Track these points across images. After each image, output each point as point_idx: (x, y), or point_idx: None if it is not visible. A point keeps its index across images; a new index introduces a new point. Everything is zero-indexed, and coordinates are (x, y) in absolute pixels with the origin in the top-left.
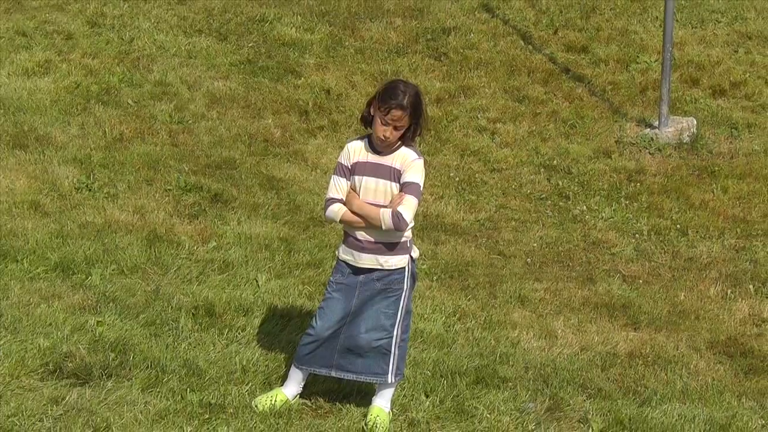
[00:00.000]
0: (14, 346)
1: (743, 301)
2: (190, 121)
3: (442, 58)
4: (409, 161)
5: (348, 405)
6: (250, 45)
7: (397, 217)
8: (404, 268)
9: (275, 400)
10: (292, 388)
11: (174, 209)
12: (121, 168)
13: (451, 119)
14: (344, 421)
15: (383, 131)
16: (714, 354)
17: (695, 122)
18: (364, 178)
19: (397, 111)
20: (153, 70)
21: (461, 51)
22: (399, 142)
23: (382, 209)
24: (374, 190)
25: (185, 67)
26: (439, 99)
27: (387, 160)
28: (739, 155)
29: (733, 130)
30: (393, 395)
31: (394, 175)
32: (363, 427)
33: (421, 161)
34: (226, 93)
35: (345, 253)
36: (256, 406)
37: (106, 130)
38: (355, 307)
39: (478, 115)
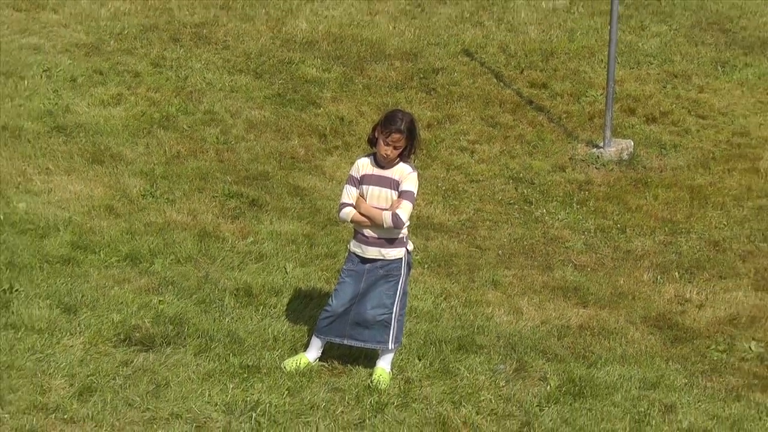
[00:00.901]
0: (93, 320)
1: (670, 285)
2: (232, 142)
3: (431, 93)
4: (405, 174)
5: (357, 366)
6: (280, 82)
7: (396, 217)
8: (401, 258)
9: (300, 363)
10: (313, 353)
11: (219, 212)
12: (177, 179)
13: (438, 141)
14: (354, 379)
15: (385, 150)
16: (646, 327)
17: (632, 143)
18: (370, 187)
19: (396, 134)
20: (203, 101)
21: (447, 87)
22: (398, 159)
23: (384, 212)
24: (378, 197)
25: (229, 100)
26: (429, 125)
27: (388, 173)
28: (667, 169)
29: (662, 149)
30: (393, 359)
31: (394, 185)
32: (369, 383)
33: (416, 174)
34: (261, 120)
35: (355, 247)
36: (284, 367)
37: (166, 149)
38: (363, 289)
39: (460, 138)
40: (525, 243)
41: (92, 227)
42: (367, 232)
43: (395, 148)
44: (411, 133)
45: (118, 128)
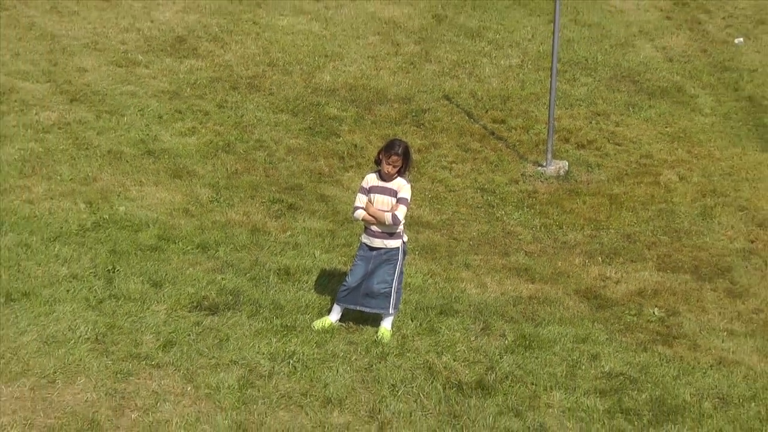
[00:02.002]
0: (173, 292)
1: (595, 267)
2: (276, 163)
3: (421, 126)
4: (402, 185)
5: (366, 326)
6: (310, 119)
7: (395, 217)
8: (399, 247)
9: (325, 323)
10: (335, 316)
11: (266, 213)
12: (236, 189)
13: (426, 161)
14: (364, 335)
15: (387, 168)
16: (578, 297)
17: (567, 163)
18: (376, 195)
19: (395, 157)
20: (254, 133)
21: (432, 122)
22: (396, 175)
23: (386, 213)
24: (382, 202)
25: (273, 131)
26: (419, 150)
27: (389, 185)
28: (593, 182)
29: (589, 167)
30: (393, 321)
31: (393, 193)
32: (375, 338)
33: (410, 186)
34: (297, 146)
35: (365, 238)
36: (313, 326)
37: (227, 167)
38: (370, 270)
39: (442, 159)
40: (489, 236)
41: (173, 224)
42: (374, 227)
43: (394, 166)
44: (406, 156)
45: (193, 152)
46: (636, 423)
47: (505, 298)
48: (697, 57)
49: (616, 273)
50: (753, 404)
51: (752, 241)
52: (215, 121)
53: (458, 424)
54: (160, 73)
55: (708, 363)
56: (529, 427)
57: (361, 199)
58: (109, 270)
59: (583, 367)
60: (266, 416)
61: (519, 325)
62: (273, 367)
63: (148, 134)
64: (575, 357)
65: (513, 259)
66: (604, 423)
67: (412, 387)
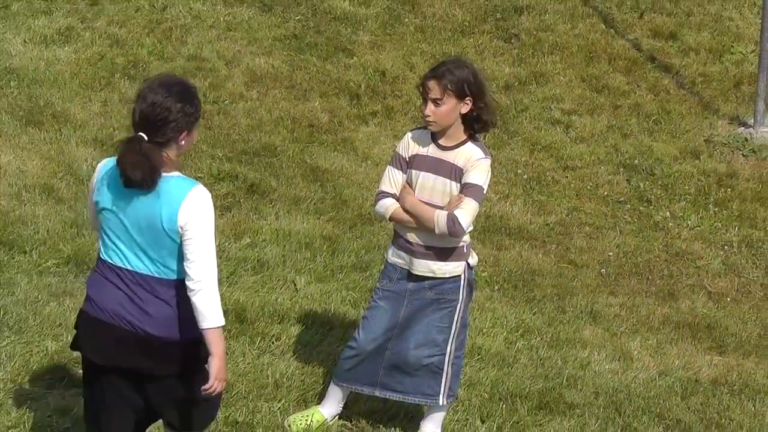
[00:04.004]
0: (18, 348)
1: None
2: (226, 102)
3: (512, 41)
4: (474, 160)
5: (393, 428)
6: (297, 18)
7: (452, 221)
8: (460, 276)
9: (311, 420)
10: (330, 408)
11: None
12: None
13: (520, 109)
14: None
15: (424, 110)
16: None
17: None
18: (422, 173)
19: (430, 81)
20: (187, 42)
21: (534, 33)
22: (464, 137)
23: (437, 211)
24: (431, 188)
25: (223, 41)
26: (507, 86)
27: (450, 156)
28: None
29: None
30: (444, 419)
31: (455, 173)
32: None
33: (488, 161)
34: (269, 71)
35: (395, 256)
36: (289, 426)
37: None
38: (404, 319)
39: (552, 106)
40: (639, 259)
41: (22, 216)
42: (412, 236)
43: (436, 104)
44: (461, 88)
45: (65, 77)
46: None
47: (667, 383)
48: None
49: None
50: None
51: None
52: (111, 17)
53: None
54: None
55: None
56: None
57: (393, 179)
58: None
59: None
60: None
61: None
62: None
63: None
64: None
65: (685, 305)
66: None
67: None
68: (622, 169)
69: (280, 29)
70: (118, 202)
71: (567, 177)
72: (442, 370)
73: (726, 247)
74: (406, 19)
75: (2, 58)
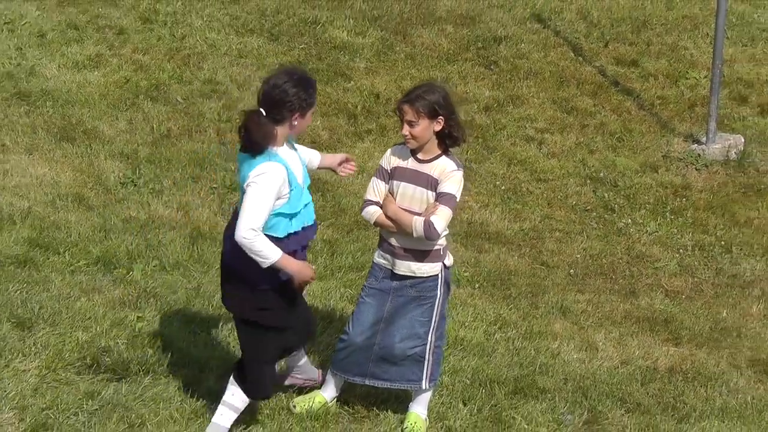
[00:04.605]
0: (52, 338)
1: None
2: (238, 120)
3: (492, 67)
4: (447, 171)
5: (385, 410)
6: (301, 46)
7: (429, 225)
8: (437, 275)
9: (313, 402)
10: (329, 392)
11: (218, 207)
12: (167, 164)
13: (498, 128)
14: (381, 427)
15: (402, 130)
16: (755, 372)
17: (743, 140)
18: (402, 183)
19: (404, 105)
20: (203, 68)
21: (511, 60)
22: (439, 152)
23: (415, 217)
24: (411, 197)
25: (235, 66)
26: (487, 107)
27: (426, 169)
28: None
29: None
30: (429, 401)
31: (431, 183)
32: None
33: (460, 173)
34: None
35: (380, 257)
36: (294, 406)
37: (154, 126)
38: (388, 314)
39: (526, 125)
40: (604, 261)
41: (56, 221)
42: (394, 240)
43: (411, 126)
44: (433, 110)
45: (95, 98)
46: None
47: (629, 371)
48: None
49: None
50: None
51: None
52: (136, 45)
53: None
54: None
55: None
56: None
57: (377, 189)
58: None
59: None
60: None
61: (650, 418)
62: None
63: (19, 64)
64: None
65: (644, 302)
66: None
67: None
68: (588, 181)
69: (286, 56)
70: (238, 165)
71: (540, 188)
72: (425, 358)
73: (681, 250)
74: (398, 48)
75: (39, 81)
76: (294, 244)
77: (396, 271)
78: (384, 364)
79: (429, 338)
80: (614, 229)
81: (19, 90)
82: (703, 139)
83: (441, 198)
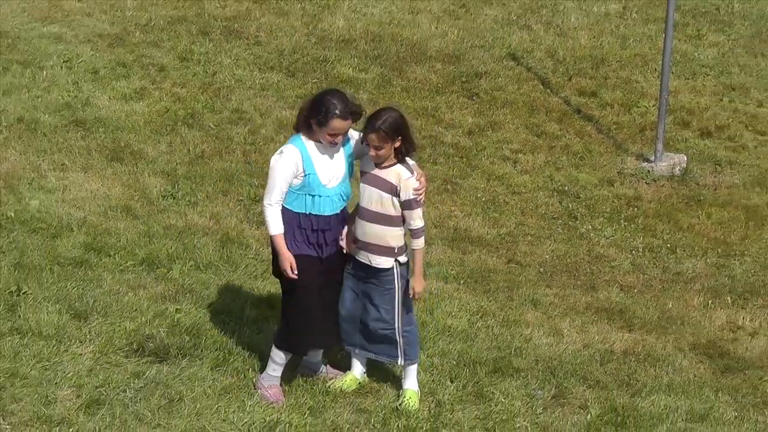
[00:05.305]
0: (104, 327)
1: (722, 311)
2: (261, 143)
3: (474, 98)
4: (403, 179)
5: (385, 386)
6: (313, 81)
7: (417, 232)
8: (392, 269)
9: (345, 382)
10: (357, 369)
11: (244, 216)
12: (201, 180)
13: (480, 149)
14: (382, 401)
15: (370, 152)
16: (696, 354)
17: (685, 158)
18: (368, 187)
19: (371, 135)
20: (231, 99)
21: (490, 92)
22: (395, 161)
23: (416, 243)
24: (370, 198)
25: (258, 98)
26: (470, 131)
27: (384, 174)
28: (722, 187)
29: (717, 166)
30: (417, 376)
31: (391, 189)
32: (397, 406)
33: (413, 177)
34: (292, 120)
35: (352, 250)
36: (328, 387)
37: (190, 148)
38: (361, 293)
39: (503, 147)
40: (568, 260)
41: (108, 228)
42: (358, 235)
43: (376, 149)
44: (392, 133)
45: (140, 124)
46: None
47: (589, 353)
48: None
49: (752, 321)
50: None
51: None
52: (175, 80)
53: None
54: (98, 7)
55: None
56: None
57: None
58: (12, 292)
59: None
60: None
61: (608, 393)
62: None
63: (76, 96)
64: None
65: (602, 295)
66: None
67: None
68: (555, 193)
69: (301, 89)
70: None
71: (514, 200)
72: (396, 340)
73: (633, 252)
74: (395, 82)
75: (93, 111)
76: (305, 223)
77: (358, 258)
78: (368, 337)
79: (396, 324)
80: (577, 234)
81: (76, 118)
82: (652, 158)
83: (405, 204)
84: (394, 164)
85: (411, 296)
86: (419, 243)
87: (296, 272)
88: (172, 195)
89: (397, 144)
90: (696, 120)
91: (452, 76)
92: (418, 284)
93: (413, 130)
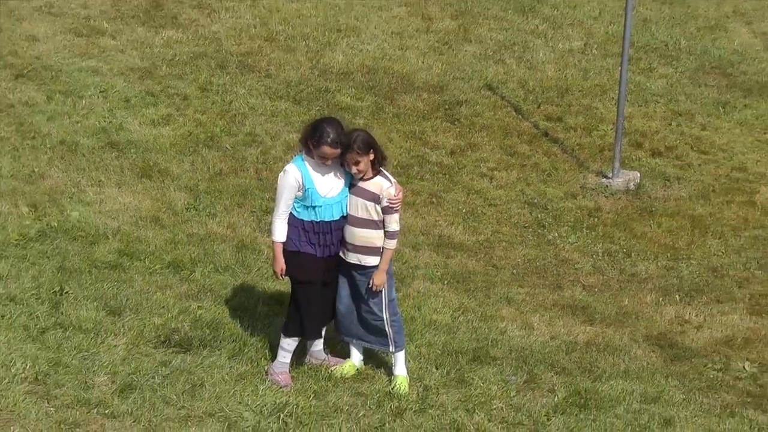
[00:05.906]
0: (136, 322)
1: (671, 307)
2: (271, 162)
3: (455, 123)
4: (384, 189)
5: (379, 372)
6: (317, 108)
7: (391, 234)
8: (376, 267)
9: (345, 368)
10: (356, 357)
11: (257, 225)
12: (219, 194)
13: (460, 167)
14: (376, 385)
15: (350, 169)
16: (648, 345)
17: (639, 175)
18: (353, 197)
19: (349, 154)
20: (245, 124)
21: (470, 118)
22: (374, 172)
23: (387, 243)
24: (356, 206)
25: (269, 123)
26: (452, 152)
27: (366, 185)
28: (670, 200)
29: (666, 181)
30: (405, 362)
31: (374, 197)
32: (389, 390)
33: (392, 186)
34: (298, 143)
35: (341, 252)
36: (331, 373)
37: (210, 166)
38: (353, 288)
39: (481, 165)
40: (538, 263)
41: (139, 236)
42: (347, 240)
43: (356, 164)
44: (366, 149)
45: (167, 146)
46: None
47: (556, 344)
48: None
49: (697, 315)
50: None
51: None
52: (196, 107)
53: None
54: (130, 45)
55: None
56: None
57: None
58: (55, 292)
59: None
60: None
61: (572, 378)
62: (258, 423)
63: (111, 122)
64: (643, 421)
65: (567, 293)
66: None
67: None
68: (526, 205)
69: (306, 115)
70: None
71: (491, 211)
72: (385, 330)
73: (594, 256)
74: (387, 109)
75: (125, 134)
76: (308, 227)
77: (348, 261)
78: (362, 328)
79: (384, 315)
80: (545, 241)
81: (111, 141)
82: (610, 175)
83: (385, 209)
84: (375, 175)
85: (369, 286)
86: (392, 244)
87: (284, 276)
88: (194, 207)
89: (372, 156)
90: (648, 141)
91: (437, 104)
92: (378, 278)
93: (381, 144)
